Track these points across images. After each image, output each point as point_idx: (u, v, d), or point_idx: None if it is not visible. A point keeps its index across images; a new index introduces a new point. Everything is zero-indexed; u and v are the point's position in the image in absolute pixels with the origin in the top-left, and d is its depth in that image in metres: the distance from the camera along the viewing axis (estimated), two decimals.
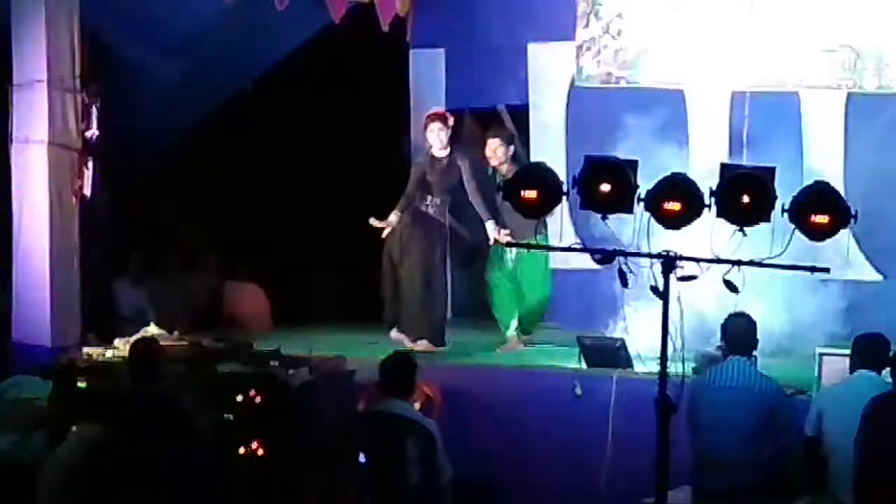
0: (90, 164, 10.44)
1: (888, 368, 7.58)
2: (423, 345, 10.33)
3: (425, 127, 10.70)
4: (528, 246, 9.13)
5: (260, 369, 9.03)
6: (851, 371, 7.84)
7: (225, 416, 8.56)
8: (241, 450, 8.46)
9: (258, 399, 8.62)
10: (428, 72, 12.45)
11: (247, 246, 12.36)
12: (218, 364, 9.10)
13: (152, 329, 10.39)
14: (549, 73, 11.87)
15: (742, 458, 7.57)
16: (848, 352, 8.08)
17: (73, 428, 7.98)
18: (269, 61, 12.10)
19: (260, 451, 8.49)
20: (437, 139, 10.59)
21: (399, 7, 11.82)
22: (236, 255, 12.44)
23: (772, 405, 7.72)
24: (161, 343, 8.76)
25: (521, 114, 12.04)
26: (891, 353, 7.69)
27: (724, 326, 8.08)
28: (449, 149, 10.66)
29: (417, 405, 8.60)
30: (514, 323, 10.80)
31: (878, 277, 10.78)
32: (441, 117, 10.70)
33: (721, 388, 7.79)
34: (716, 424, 7.68)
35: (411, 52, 12.45)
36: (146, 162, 11.50)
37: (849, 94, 10.88)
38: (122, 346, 9.43)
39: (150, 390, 7.96)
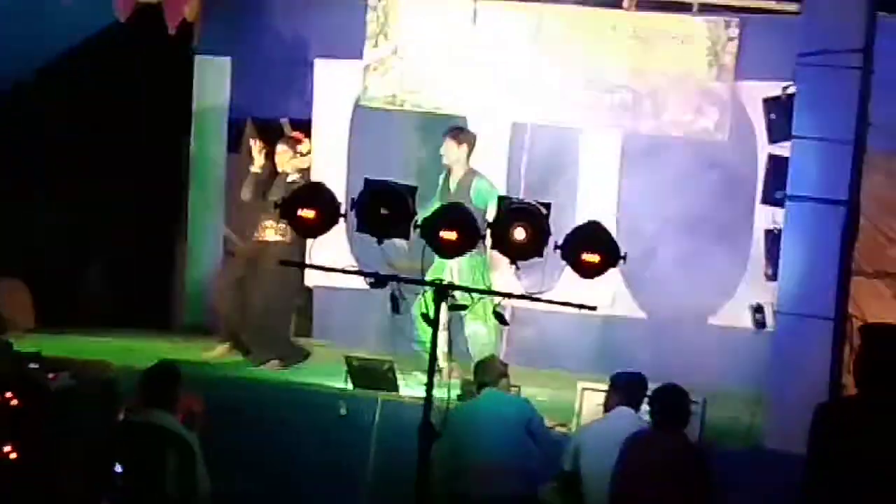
0: None
1: (646, 407, 7.74)
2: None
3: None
4: (298, 265, 9.05)
5: (18, 371, 8.79)
6: (607, 408, 7.98)
7: None
8: None
9: (14, 402, 8.39)
10: (213, 79, 12.33)
11: (13, 242, 11.99)
12: None
13: None
14: (335, 90, 11.87)
15: (503, 467, 7.73)
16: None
17: None
18: (51, 53, 11.77)
19: (12, 455, 8.26)
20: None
21: (187, 12, 11.70)
22: (1, 250, 12.06)
23: (528, 417, 7.97)
24: None
25: (304, 128, 12.01)
26: (648, 392, 7.85)
27: (477, 365, 8.38)
28: None
29: (179, 417, 8.47)
30: None
31: (643, 315, 11.07)
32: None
33: (479, 411, 7.97)
34: (478, 435, 7.83)
35: (196, 58, 12.31)
36: None
37: (625, 135, 11.16)
38: None
39: None
